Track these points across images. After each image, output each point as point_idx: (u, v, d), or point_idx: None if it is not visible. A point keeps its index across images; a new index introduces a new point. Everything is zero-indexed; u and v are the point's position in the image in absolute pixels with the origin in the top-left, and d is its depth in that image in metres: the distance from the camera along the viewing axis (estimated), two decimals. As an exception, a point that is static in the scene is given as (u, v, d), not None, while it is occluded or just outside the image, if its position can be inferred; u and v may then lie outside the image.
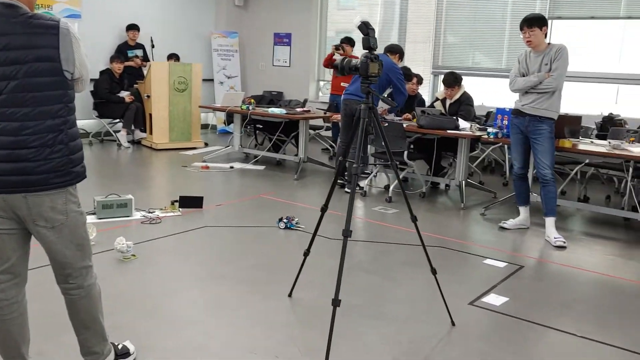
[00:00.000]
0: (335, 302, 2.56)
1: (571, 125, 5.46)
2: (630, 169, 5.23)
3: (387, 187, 6.45)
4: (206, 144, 8.73)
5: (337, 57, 7.84)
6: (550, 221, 4.78)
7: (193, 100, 8.34)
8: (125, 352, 2.56)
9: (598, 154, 4.99)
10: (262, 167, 7.31)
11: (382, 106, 6.30)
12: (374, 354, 2.75)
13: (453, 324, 3.11)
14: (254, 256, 4.04)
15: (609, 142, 5.14)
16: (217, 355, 2.67)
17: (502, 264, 4.14)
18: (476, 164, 7.51)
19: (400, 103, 6.10)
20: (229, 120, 7.87)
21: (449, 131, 5.77)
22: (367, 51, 2.86)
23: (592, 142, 5.53)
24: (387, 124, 5.90)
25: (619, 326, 3.22)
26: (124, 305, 3.15)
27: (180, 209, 5.05)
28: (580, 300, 3.56)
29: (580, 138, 5.56)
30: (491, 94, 8.88)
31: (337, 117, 6.80)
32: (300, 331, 2.96)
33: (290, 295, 3.38)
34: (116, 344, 2.56)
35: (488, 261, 4.20)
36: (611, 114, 7.21)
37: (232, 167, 7.14)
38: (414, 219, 3.05)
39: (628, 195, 5.39)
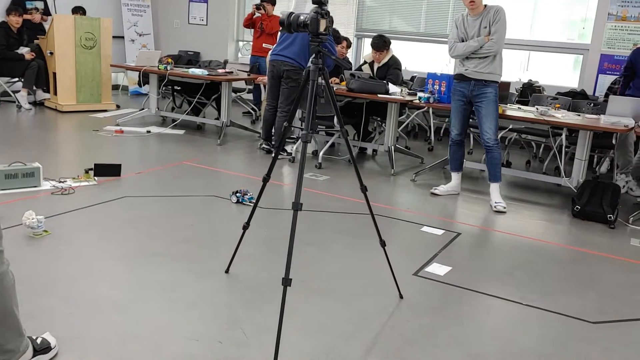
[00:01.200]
0: (286, 282, 2.35)
1: (500, 91, 5.48)
2: (564, 135, 5.34)
3: (315, 153, 6.26)
4: (118, 107, 8.13)
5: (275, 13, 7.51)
6: (494, 187, 4.81)
7: (103, 58, 7.70)
8: (46, 347, 2.23)
9: (530, 120, 5.04)
10: (181, 132, 6.88)
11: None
12: (326, 333, 2.58)
13: (401, 296, 2.99)
14: (184, 229, 3.73)
15: (537, 109, 5.20)
16: (153, 344, 2.40)
17: (439, 232, 4.09)
18: (401, 129, 7.47)
19: (329, 65, 5.87)
20: (144, 81, 7.33)
21: (379, 95, 5.63)
22: (317, 6, 2.59)
23: (519, 108, 5.59)
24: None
25: (560, 292, 3.24)
26: (39, 290, 2.78)
27: (96, 178, 4.61)
28: (520, 268, 3.56)
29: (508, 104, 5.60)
30: (411, 58, 8.84)
31: (262, 79, 6.49)
32: (243, 311, 2.73)
33: (227, 271, 3.13)
34: (34, 337, 2.22)
35: (425, 229, 4.13)
36: (530, 80, 7.37)
37: (149, 132, 6.66)
38: (364, 189, 2.87)
39: (563, 161, 5.49)
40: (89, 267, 3.07)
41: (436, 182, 5.51)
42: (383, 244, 2.93)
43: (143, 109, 7.47)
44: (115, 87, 9.94)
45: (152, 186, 4.62)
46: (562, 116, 5.03)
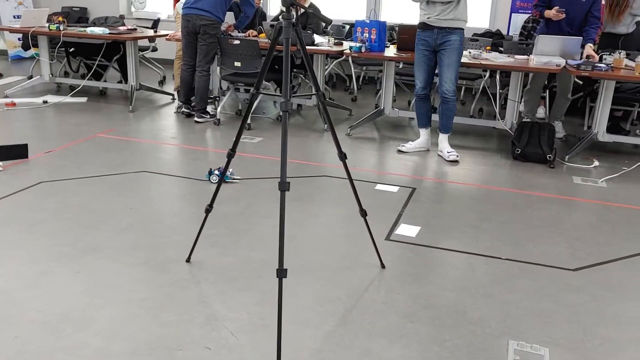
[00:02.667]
0: (282, 274, 2.06)
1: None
2: (497, 77, 5.29)
3: (239, 113, 5.86)
4: (0, 75, 7.17)
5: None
6: (444, 137, 4.68)
7: (-25, 20, 6.67)
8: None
9: (465, 65, 4.91)
10: (83, 99, 6.18)
11: (226, 22, 5.56)
12: (320, 318, 2.34)
13: (383, 266, 2.81)
14: (123, 215, 3.29)
15: (469, 52, 5.11)
16: (131, 361, 2.04)
17: (394, 188, 3.93)
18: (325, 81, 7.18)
19: (250, 15, 5.43)
20: (31, 43, 6.45)
21: (307, 47, 5.28)
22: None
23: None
24: (238, 42, 5.22)
25: (531, 241, 3.19)
26: (-31, 311, 2.30)
27: (0, 163, 3.97)
28: (485, 219, 3.49)
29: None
30: (326, 4, 8.48)
31: (174, 35, 5.91)
32: (222, 306, 2.41)
33: (188, 260, 2.78)
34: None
35: (379, 187, 3.95)
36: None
37: (45, 102, 5.92)
38: (343, 157, 2.60)
39: (498, 105, 5.46)
40: (17, 271, 2.60)
41: (370, 135, 5.34)
42: (364, 213, 2.70)
43: (32, 76, 6.62)
44: (-8, 52, 8.81)
45: (70, 166, 4.06)
46: (494, 58, 4.97)
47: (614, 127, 5.43)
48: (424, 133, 4.87)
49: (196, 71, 5.35)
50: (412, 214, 3.51)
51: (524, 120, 5.21)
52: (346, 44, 5.46)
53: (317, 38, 5.47)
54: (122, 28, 6.05)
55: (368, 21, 5.14)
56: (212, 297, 2.49)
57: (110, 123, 5.29)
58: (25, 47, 7.59)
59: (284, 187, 2.10)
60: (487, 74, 6.07)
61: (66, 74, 7.01)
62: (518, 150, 4.64)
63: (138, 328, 2.24)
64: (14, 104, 5.72)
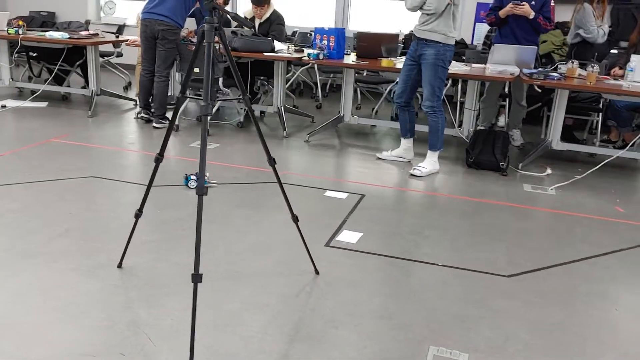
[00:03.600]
0: (197, 279, 2.05)
1: (388, 43, 5.38)
2: (459, 85, 5.33)
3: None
4: (-38, 79, 7.07)
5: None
6: (429, 154, 4.58)
7: None
8: None
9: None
10: (44, 104, 6.13)
11: (187, 27, 5.56)
12: (244, 325, 2.33)
13: (317, 272, 2.80)
14: (63, 220, 3.25)
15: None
16: (41, 368, 2.01)
17: (343, 195, 3.94)
18: (287, 87, 7.19)
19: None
20: (-8, 48, 6.39)
21: (265, 54, 5.30)
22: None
23: (407, 60, 5.51)
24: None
25: (471, 247, 3.21)
26: None
27: (-56, 167, 3.92)
28: (428, 226, 3.50)
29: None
30: (292, 12, 8.52)
31: (134, 40, 5.89)
32: (145, 312, 2.39)
33: (120, 265, 2.75)
34: None
35: (329, 193, 3.96)
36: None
37: (4, 107, 5.86)
38: (272, 162, 2.60)
39: (458, 112, 5.50)
40: (-54, 279, 2.56)
41: (330, 142, 5.36)
42: (295, 219, 2.70)
43: (-4, 80, 6.55)
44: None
45: (16, 171, 4.02)
46: (451, 67, 5.01)
47: (567, 135, 5.50)
48: (403, 143, 4.80)
49: (155, 77, 5.33)
50: (357, 220, 3.51)
51: (478, 128, 5.25)
52: (307, 51, 5.47)
53: (278, 45, 5.48)
54: (83, 33, 6.02)
55: (327, 28, 5.16)
56: (137, 302, 2.46)
57: (67, 128, 5.24)
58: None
59: (201, 191, 2.09)
60: (449, 83, 6.12)
61: (30, 79, 6.95)
62: (472, 158, 4.68)
63: (58, 334, 2.21)
64: (-30, 109, 5.66)
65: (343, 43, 5.17)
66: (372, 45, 5.28)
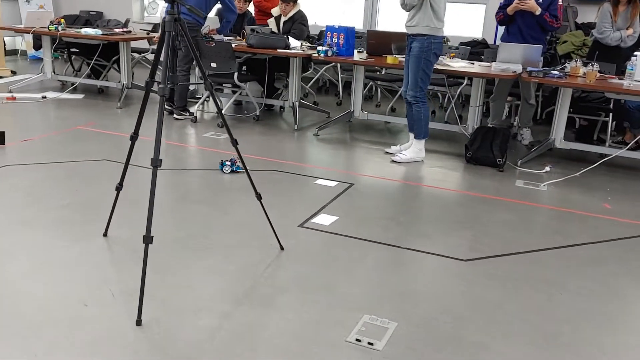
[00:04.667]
0: (147, 239, 2.32)
1: (398, 41, 5.52)
2: (465, 83, 5.39)
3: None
4: (14, 72, 7.69)
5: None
6: (414, 142, 4.77)
7: (-10, 21, 7.21)
8: None
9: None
10: (80, 96, 6.59)
11: (208, 25, 5.88)
12: (198, 287, 2.58)
13: (282, 247, 3.02)
14: (67, 195, 3.60)
15: (432, 58, 5.26)
16: (10, 307, 2.32)
17: (333, 183, 4.13)
18: (310, 85, 7.44)
19: (232, 21, 5.75)
20: (38, 44, 6.93)
21: (279, 50, 5.56)
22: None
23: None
24: (214, 44, 5.53)
25: (439, 234, 3.35)
26: None
27: (-24, 147, 4.37)
28: (406, 213, 3.66)
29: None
30: (325, 12, 8.76)
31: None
32: (115, 273, 2.68)
33: (105, 234, 3.06)
34: None
35: (319, 181, 4.16)
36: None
37: (44, 97, 6.35)
38: (234, 143, 2.84)
39: (450, 109, 5.62)
40: (-46, 238, 2.93)
41: (341, 137, 5.55)
42: (259, 196, 2.93)
43: (40, 74, 7.09)
44: (14, 52, 9.40)
45: (39, 153, 4.43)
46: (457, 65, 5.12)
47: (581, 135, 5.49)
48: (410, 137, 4.94)
49: (176, 71, 5.68)
50: (337, 205, 3.71)
51: (489, 126, 5.32)
52: (318, 48, 5.69)
53: (293, 42, 5.73)
54: (117, 30, 6.46)
55: (337, 26, 5.37)
56: (110, 265, 2.76)
57: (95, 117, 5.66)
58: (36, 47, 8.10)
59: (155, 163, 2.35)
60: (465, 81, 6.20)
61: (74, 74, 7.47)
62: (470, 154, 4.77)
63: (29, 283, 2.52)
64: (14, 98, 6.17)
65: (352, 41, 5.36)
66: (381, 43, 5.44)
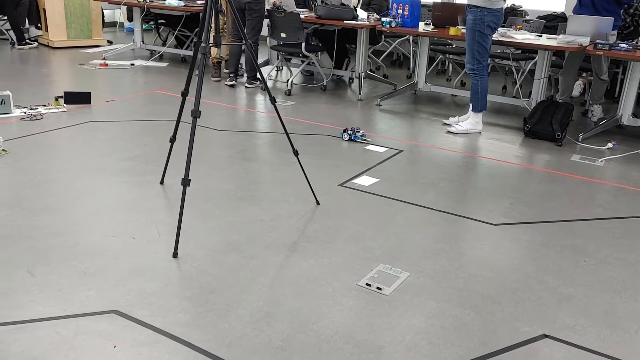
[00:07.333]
0: (185, 182, 2.60)
1: (464, 13, 5.49)
2: (539, 58, 5.26)
3: (289, 81, 6.41)
4: (110, 42, 8.33)
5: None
6: (471, 114, 4.81)
7: (90, -7, 7.84)
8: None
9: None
10: (164, 64, 7.08)
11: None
12: (233, 232, 2.84)
13: (318, 203, 3.22)
14: (137, 148, 3.99)
15: (498, 31, 5.21)
16: (72, 240, 2.69)
17: (382, 149, 4.27)
18: (383, 58, 7.52)
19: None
20: (132, 15, 7.48)
21: (346, 21, 5.70)
22: None
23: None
24: (283, 15, 5.76)
25: (476, 200, 3.42)
26: (-15, 197, 3.09)
27: (66, 106, 4.88)
28: (447, 180, 3.74)
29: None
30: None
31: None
32: (164, 215, 3.00)
33: (162, 182, 3.40)
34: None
35: (369, 147, 4.31)
36: (514, 5, 7.28)
37: (132, 64, 6.88)
38: (273, 100, 3.06)
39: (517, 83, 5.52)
40: (34, 180, 3.37)
41: (403, 108, 5.64)
42: (296, 152, 3.14)
43: (131, 43, 7.66)
44: (113, 24, 10.12)
45: (119, 112, 4.88)
46: (521, 37, 5.04)
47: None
48: (470, 109, 4.95)
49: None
50: (381, 169, 3.85)
51: (542, 99, 5.22)
52: (382, 19, 5.77)
53: (361, 14, 5.86)
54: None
55: (402, -2, 5.42)
56: (162, 208, 3.08)
57: (173, 83, 6.09)
58: (130, 19, 8.70)
59: (194, 114, 2.62)
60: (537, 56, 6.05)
61: (163, 44, 8.00)
62: (528, 127, 4.73)
63: (91, 220, 2.89)
64: (106, 65, 6.74)
65: (418, 12, 5.40)
66: (447, 15, 5.45)
